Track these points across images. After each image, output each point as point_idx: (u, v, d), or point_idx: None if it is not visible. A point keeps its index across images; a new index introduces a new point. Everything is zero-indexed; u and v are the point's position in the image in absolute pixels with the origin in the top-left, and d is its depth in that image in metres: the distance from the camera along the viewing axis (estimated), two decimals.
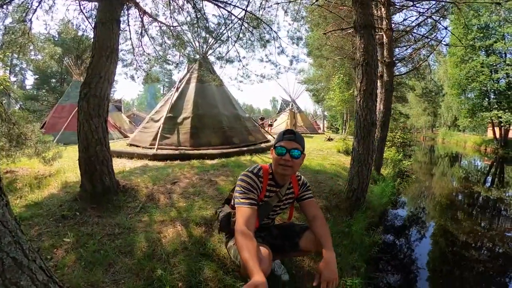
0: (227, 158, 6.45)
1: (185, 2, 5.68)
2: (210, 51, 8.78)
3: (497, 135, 19.52)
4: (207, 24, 6.07)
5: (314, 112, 41.30)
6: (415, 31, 7.04)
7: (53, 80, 28.76)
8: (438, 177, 9.74)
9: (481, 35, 18.11)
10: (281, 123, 21.33)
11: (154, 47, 6.46)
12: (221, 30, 6.33)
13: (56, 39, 15.55)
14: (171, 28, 6.10)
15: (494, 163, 14.26)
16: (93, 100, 3.33)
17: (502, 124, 18.22)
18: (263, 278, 1.17)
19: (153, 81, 7.78)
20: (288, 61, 7.03)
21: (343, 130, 20.79)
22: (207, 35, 6.74)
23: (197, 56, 8.51)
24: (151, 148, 7.17)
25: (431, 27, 7.11)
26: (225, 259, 2.20)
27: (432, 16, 6.37)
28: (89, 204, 3.10)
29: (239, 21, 5.75)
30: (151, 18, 5.71)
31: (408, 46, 8.34)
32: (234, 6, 5.72)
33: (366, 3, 3.60)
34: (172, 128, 7.75)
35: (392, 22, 6.42)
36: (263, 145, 8.36)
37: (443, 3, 6.09)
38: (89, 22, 5.36)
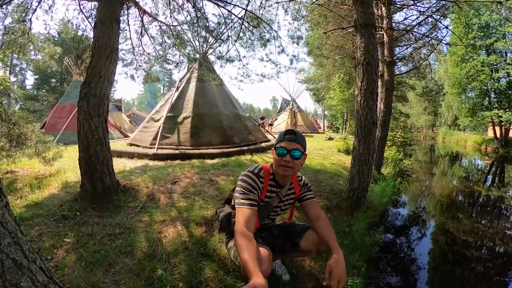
0: (228, 157, 6.44)
1: (185, 1, 5.68)
2: (210, 51, 8.77)
3: (498, 135, 19.52)
4: (207, 24, 6.06)
5: (314, 112, 41.33)
6: (415, 30, 7.02)
7: (53, 80, 28.78)
8: (439, 177, 9.73)
9: (482, 34, 18.09)
10: (282, 123, 21.33)
11: (154, 47, 6.46)
12: (221, 30, 6.32)
13: (56, 39, 15.55)
14: (171, 27, 6.09)
15: (495, 163, 14.25)
16: (93, 100, 3.32)
17: (502, 124, 18.21)
18: (262, 279, 1.17)
19: (153, 80, 7.79)
20: (288, 60, 7.03)
21: (344, 130, 20.78)
22: (207, 35, 6.73)
23: (197, 56, 8.50)
24: (151, 148, 7.17)
25: (431, 26, 7.09)
26: (226, 259, 2.19)
27: (433, 15, 6.36)
28: (90, 204, 3.09)
29: (239, 21, 5.74)
30: (151, 18, 5.70)
31: (408, 45, 8.33)
32: (234, 5, 5.72)
33: (366, 2, 3.58)
34: (173, 127, 7.75)
35: (392, 21, 6.41)
36: (263, 144, 8.35)
37: (443, 2, 6.09)
38: (88, 22, 5.35)
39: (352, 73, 12.90)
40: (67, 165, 4.97)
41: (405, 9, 6.87)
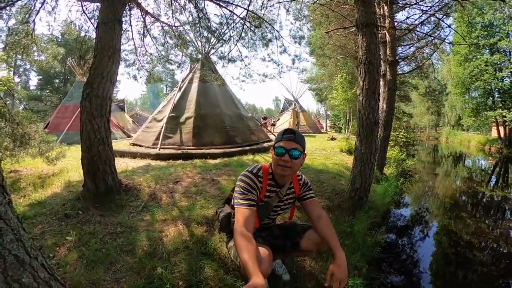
0: (230, 157, 6.45)
1: (187, 1, 5.70)
2: (212, 51, 8.78)
3: (502, 135, 19.36)
4: (209, 24, 6.08)
5: (317, 112, 41.26)
6: (418, 29, 6.98)
7: (57, 81, 29.06)
8: (442, 177, 9.66)
9: (485, 33, 17.98)
10: (284, 123, 21.30)
11: (157, 47, 6.50)
12: (223, 30, 6.34)
13: (59, 40, 15.66)
14: (173, 28, 6.12)
15: (499, 163, 14.13)
16: (95, 100, 3.34)
17: (506, 123, 18.04)
18: (262, 279, 1.17)
19: (156, 81, 7.82)
20: (290, 60, 7.03)
21: (346, 130, 20.73)
22: (209, 35, 6.74)
23: (200, 56, 8.52)
24: (154, 148, 7.22)
25: (434, 25, 7.02)
26: (226, 258, 2.20)
27: (435, 14, 6.29)
28: (92, 203, 3.11)
29: (241, 21, 5.75)
30: (153, 18, 5.73)
31: (411, 45, 8.26)
32: (236, 5, 5.73)
33: (368, 1, 3.58)
34: (175, 127, 7.79)
35: (395, 20, 6.38)
36: (265, 144, 8.36)
37: (446, 0, 6.05)
38: (91, 23, 5.40)
39: (355, 73, 12.86)
40: (70, 164, 5.01)
41: (408, 8, 6.83)
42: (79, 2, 4.97)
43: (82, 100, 3.36)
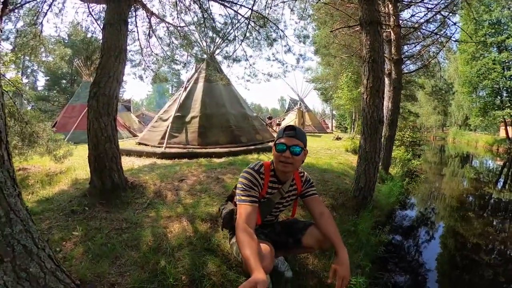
0: (235, 156, 6.47)
1: (192, 2, 5.75)
2: (217, 51, 8.84)
3: (510, 135, 19.02)
4: (213, 24, 6.12)
5: (322, 111, 41.11)
6: (423, 27, 6.88)
7: (64, 81, 29.55)
8: (448, 178, 9.53)
9: (493, 31, 17.70)
10: (289, 122, 21.22)
11: (162, 47, 6.57)
12: (228, 30, 6.37)
13: (66, 41, 15.90)
14: (178, 28, 6.18)
15: (507, 163, 13.89)
16: (102, 99, 3.39)
17: None
18: (263, 275, 1.17)
19: (161, 81, 7.91)
20: (295, 59, 7.05)
21: (352, 129, 20.59)
22: (214, 35, 6.79)
23: (205, 56, 8.58)
24: (159, 147, 7.28)
25: (440, 23, 6.95)
26: (229, 254, 2.22)
27: (441, 12, 6.22)
28: (98, 200, 3.16)
29: (245, 20, 5.78)
30: (158, 19, 5.80)
31: (417, 43, 8.17)
32: (241, 5, 5.76)
33: None
34: (180, 127, 7.85)
35: (400, 18, 6.33)
36: (270, 144, 8.36)
37: None
38: (97, 24, 5.49)
39: (360, 72, 12.76)
40: (77, 163, 5.08)
41: (413, 6, 6.77)
42: (85, 4, 5.06)
43: (89, 99, 3.41)
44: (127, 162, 5.41)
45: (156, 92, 61.86)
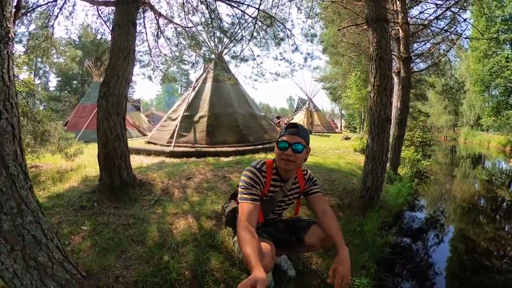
0: (242, 155, 6.50)
1: (199, 3, 5.80)
2: (225, 51, 8.89)
3: None
4: (221, 24, 6.17)
5: (331, 111, 40.80)
6: (433, 24, 6.74)
7: (75, 82, 30.34)
8: (459, 179, 9.29)
9: (506, 27, 17.13)
10: (298, 122, 21.15)
11: (170, 48, 6.65)
12: (235, 30, 6.41)
13: (76, 43, 16.27)
14: (186, 29, 6.24)
15: None
16: (111, 99, 3.45)
17: None
18: (263, 273, 1.17)
19: (170, 81, 8.01)
20: (302, 58, 7.02)
21: (361, 129, 20.36)
22: (222, 35, 6.83)
23: (213, 56, 8.64)
24: (168, 146, 7.38)
25: (450, 20, 6.78)
26: (233, 251, 2.23)
27: (451, 8, 6.07)
28: (107, 196, 3.24)
29: (252, 20, 5.80)
30: (166, 20, 5.88)
31: (426, 41, 7.99)
32: (248, 5, 5.79)
33: None
34: (189, 126, 7.94)
35: (408, 16, 6.22)
36: None
37: None
38: (107, 26, 5.62)
39: (369, 70, 12.64)
40: (87, 161, 5.18)
41: (422, 2, 6.63)
42: (95, 7, 5.18)
43: (99, 99, 3.48)
44: (136, 161, 5.50)
45: (165, 92, 62.46)
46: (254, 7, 5.55)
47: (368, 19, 3.59)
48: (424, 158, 9.26)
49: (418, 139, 10.09)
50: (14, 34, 1.61)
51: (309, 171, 1.88)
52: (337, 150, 8.67)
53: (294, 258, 2.30)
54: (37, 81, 30.84)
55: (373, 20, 3.52)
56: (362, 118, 20.90)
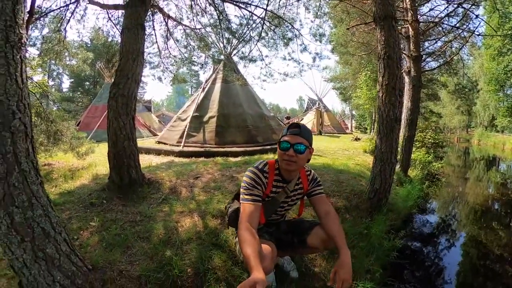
0: (251, 156, 6.52)
1: (208, 5, 5.85)
2: (234, 52, 8.94)
3: None
4: (229, 25, 6.21)
5: (342, 111, 40.37)
6: (444, 22, 6.58)
7: (87, 83, 31.30)
8: (472, 182, 8.99)
9: None
10: (307, 122, 20.99)
11: (179, 50, 6.74)
12: (243, 30, 6.44)
13: (88, 45, 16.69)
14: (195, 30, 6.31)
15: None
16: (121, 99, 3.53)
17: None
18: (262, 274, 1.16)
19: (180, 82, 8.12)
20: (311, 58, 6.99)
21: (371, 130, 20.08)
22: (230, 36, 6.87)
23: (222, 57, 8.69)
24: (177, 146, 7.47)
25: (462, 17, 6.55)
26: (236, 251, 2.25)
27: (463, 5, 5.85)
28: (116, 194, 3.31)
29: (260, 21, 5.82)
30: (175, 22, 5.96)
31: (438, 39, 7.75)
32: (256, 6, 5.81)
33: None
34: (198, 126, 8.02)
35: (418, 13, 6.06)
36: None
37: None
38: (117, 29, 5.75)
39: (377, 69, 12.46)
40: (98, 160, 5.31)
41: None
42: (105, 10, 5.30)
43: (109, 100, 3.56)
44: (146, 160, 5.60)
45: (175, 93, 63.24)
46: (262, 8, 5.57)
47: (376, 17, 3.55)
48: (435, 160, 9.06)
49: (430, 140, 9.87)
50: (27, 39, 1.70)
51: (313, 171, 1.85)
52: (347, 151, 8.58)
53: (298, 259, 2.29)
54: (51, 83, 31.97)
55: (381, 18, 3.47)
56: (373, 118, 20.58)
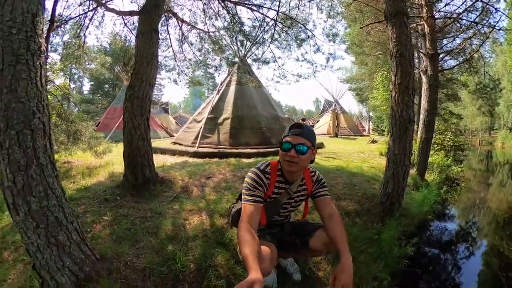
0: (264, 157, 6.54)
1: (221, 8, 5.96)
2: (248, 54, 9.02)
3: None
4: (242, 28, 6.29)
5: (359, 113, 39.58)
6: (463, 17, 6.24)
7: (106, 86, 32.80)
8: (495, 188, 8.47)
9: None
10: (323, 124, 20.79)
11: (194, 53, 6.92)
12: (256, 33, 6.50)
13: (107, 50, 17.35)
14: (209, 33, 6.44)
15: None
16: (136, 101, 3.65)
17: None
18: (260, 275, 1.15)
19: (195, 84, 8.31)
20: (324, 58, 6.95)
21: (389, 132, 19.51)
22: (244, 38, 6.95)
23: (236, 59, 8.79)
24: (192, 146, 7.62)
25: (481, 11, 6.15)
26: (237, 250, 2.27)
27: None
28: (130, 191, 3.44)
29: (273, 23, 5.86)
30: (189, 26, 6.12)
31: (456, 36, 7.33)
32: (269, 8, 5.85)
33: None
34: (213, 128, 8.15)
35: (434, 9, 5.79)
36: None
37: None
38: (132, 34, 5.99)
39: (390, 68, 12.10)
40: (115, 159, 5.46)
41: None
42: (121, 16, 5.52)
43: (125, 101, 3.70)
44: (160, 160, 5.75)
45: (192, 95, 64.19)
46: (274, 10, 5.60)
47: (386, 13, 3.47)
48: (455, 163, 8.68)
49: (449, 143, 9.48)
50: (46, 48, 1.86)
51: (317, 172, 1.81)
52: (362, 154, 8.43)
53: (302, 262, 2.27)
54: (72, 85, 33.72)
55: (392, 15, 3.39)
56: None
